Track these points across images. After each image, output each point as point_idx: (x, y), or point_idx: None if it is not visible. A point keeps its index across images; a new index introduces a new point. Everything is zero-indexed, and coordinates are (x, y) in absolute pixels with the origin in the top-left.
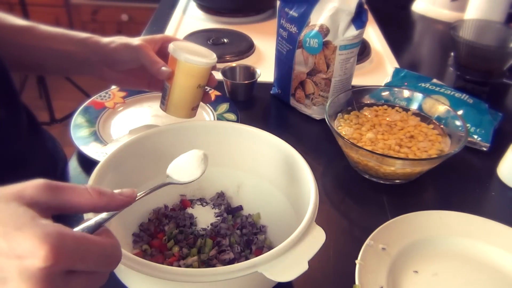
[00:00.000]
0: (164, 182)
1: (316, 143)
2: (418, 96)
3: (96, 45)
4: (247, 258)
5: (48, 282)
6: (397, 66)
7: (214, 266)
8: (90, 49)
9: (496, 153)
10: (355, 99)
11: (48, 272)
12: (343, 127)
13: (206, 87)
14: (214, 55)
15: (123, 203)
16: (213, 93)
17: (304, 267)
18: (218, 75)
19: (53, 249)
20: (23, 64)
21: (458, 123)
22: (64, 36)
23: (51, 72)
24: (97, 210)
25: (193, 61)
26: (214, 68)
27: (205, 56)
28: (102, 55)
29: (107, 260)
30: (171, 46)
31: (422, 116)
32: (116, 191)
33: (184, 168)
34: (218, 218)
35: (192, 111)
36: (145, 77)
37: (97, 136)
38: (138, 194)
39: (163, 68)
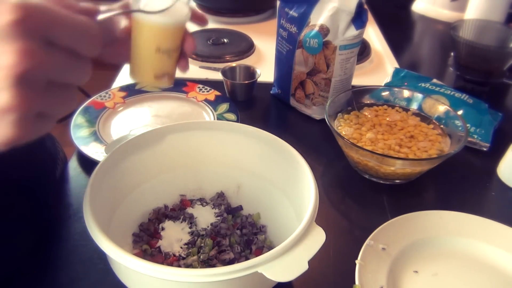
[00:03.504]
0: (134, 10)
1: (316, 143)
2: (418, 96)
3: None
4: (247, 258)
5: (25, 39)
6: (397, 66)
7: (214, 266)
8: None
9: (496, 153)
10: (355, 99)
11: (23, 29)
12: (343, 127)
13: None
14: (186, 11)
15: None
16: (213, 93)
17: (304, 267)
18: (218, 75)
19: (21, 3)
20: None
21: (458, 123)
22: None
23: None
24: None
25: (142, 16)
26: (201, 21)
27: (173, 12)
28: None
29: (84, 33)
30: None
31: (422, 116)
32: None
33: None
34: (218, 218)
35: (156, 79)
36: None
37: (97, 136)
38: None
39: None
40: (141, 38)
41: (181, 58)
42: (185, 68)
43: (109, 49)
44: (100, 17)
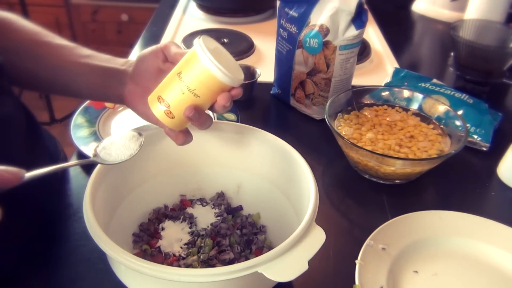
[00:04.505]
0: (89, 160)
1: (316, 143)
2: (418, 96)
3: (128, 61)
4: (247, 258)
5: None
6: (397, 66)
7: (214, 266)
8: (123, 63)
9: (496, 153)
10: (355, 99)
11: None
12: (343, 127)
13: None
14: (235, 76)
15: (4, 180)
16: None
17: (304, 267)
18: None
19: None
20: (53, 83)
21: (458, 123)
22: (104, 55)
23: (78, 92)
24: None
25: (196, 47)
26: (234, 91)
27: (225, 64)
28: (131, 65)
29: None
30: (198, 40)
31: (422, 116)
32: (2, 168)
33: (113, 148)
34: (218, 218)
35: (157, 101)
36: None
37: (97, 136)
38: (35, 173)
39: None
40: (183, 59)
41: (181, 132)
42: (178, 139)
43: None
44: (28, 174)
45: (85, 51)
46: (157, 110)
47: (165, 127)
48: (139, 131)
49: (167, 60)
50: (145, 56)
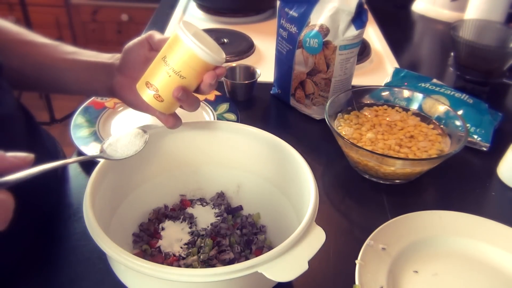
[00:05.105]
0: (96, 155)
1: (316, 143)
2: (418, 96)
3: (115, 55)
4: (247, 258)
5: None
6: (397, 66)
7: (214, 266)
8: (110, 57)
9: (496, 153)
10: (355, 99)
11: None
12: (343, 127)
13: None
14: (217, 56)
15: (13, 165)
16: (213, 93)
17: (304, 267)
18: None
19: None
20: (41, 80)
21: (458, 123)
22: (89, 51)
23: (66, 88)
24: None
25: (180, 32)
26: (217, 70)
27: (207, 45)
28: (118, 59)
29: None
30: (179, 24)
31: (422, 116)
32: (10, 154)
33: (119, 145)
34: (218, 218)
35: (146, 86)
36: None
37: (97, 136)
38: (41, 168)
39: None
40: (166, 44)
41: (171, 115)
42: (168, 122)
43: (130, 80)
44: (34, 170)
45: (69, 48)
46: (146, 95)
47: (155, 111)
48: (144, 129)
49: (152, 49)
50: (131, 48)
